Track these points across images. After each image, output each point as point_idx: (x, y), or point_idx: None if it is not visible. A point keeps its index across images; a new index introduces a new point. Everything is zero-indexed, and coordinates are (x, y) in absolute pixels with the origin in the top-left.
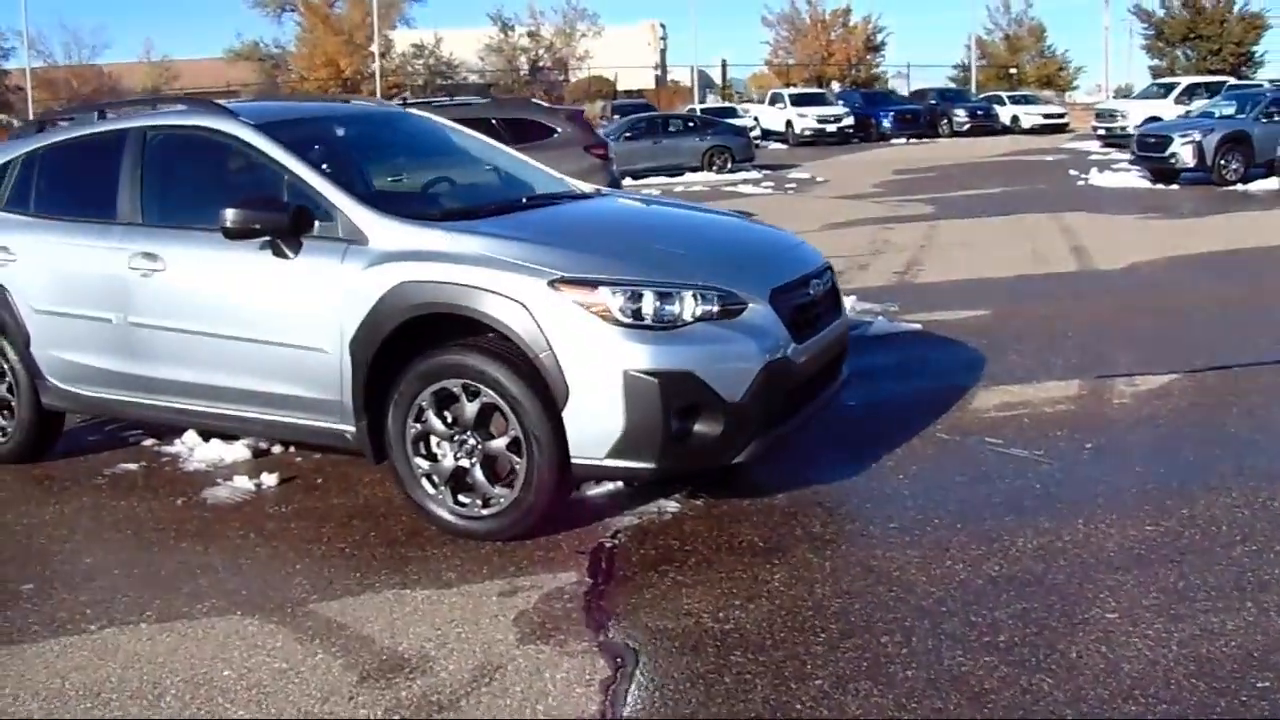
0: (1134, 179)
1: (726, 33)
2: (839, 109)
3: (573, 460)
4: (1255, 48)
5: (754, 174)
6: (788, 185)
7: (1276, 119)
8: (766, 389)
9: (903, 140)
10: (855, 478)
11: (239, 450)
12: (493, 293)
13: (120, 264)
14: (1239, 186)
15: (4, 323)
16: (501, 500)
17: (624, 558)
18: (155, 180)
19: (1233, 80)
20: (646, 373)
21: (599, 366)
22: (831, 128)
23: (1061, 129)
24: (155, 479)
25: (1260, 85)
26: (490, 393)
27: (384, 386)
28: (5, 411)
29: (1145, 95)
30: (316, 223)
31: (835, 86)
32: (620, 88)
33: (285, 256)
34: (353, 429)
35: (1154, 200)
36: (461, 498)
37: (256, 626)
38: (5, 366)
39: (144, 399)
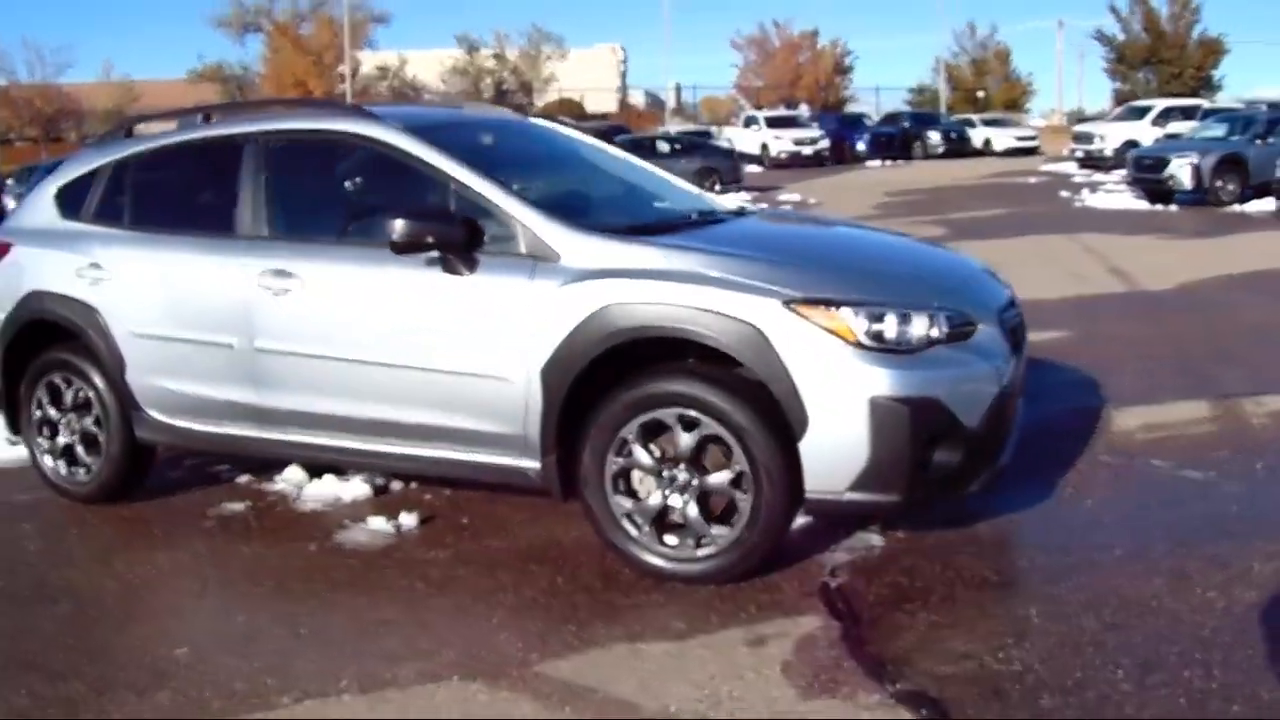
0: (1129, 200)
1: (686, 58)
2: (815, 131)
3: (808, 495)
4: (1214, 71)
5: (743, 196)
6: (782, 208)
7: (1270, 141)
8: (999, 415)
9: (878, 163)
10: (1044, 504)
11: (357, 487)
12: (720, 314)
13: (245, 282)
14: (1236, 208)
15: (94, 348)
16: (719, 540)
17: (858, 598)
18: (284, 190)
19: (1206, 104)
20: (895, 399)
21: (842, 393)
22: (808, 150)
23: (1033, 151)
24: (270, 521)
25: (1237, 107)
26: (712, 423)
27: (574, 418)
28: (90, 447)
29: (1120, 118)
30: (488, 236)
31: (804, 109)
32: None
33: (459, 273)
34: (536, 465)
35: (1160, 221)
36: (668, 539)
37: (488, 694)
38: (91, 397)
39: (268, 433)
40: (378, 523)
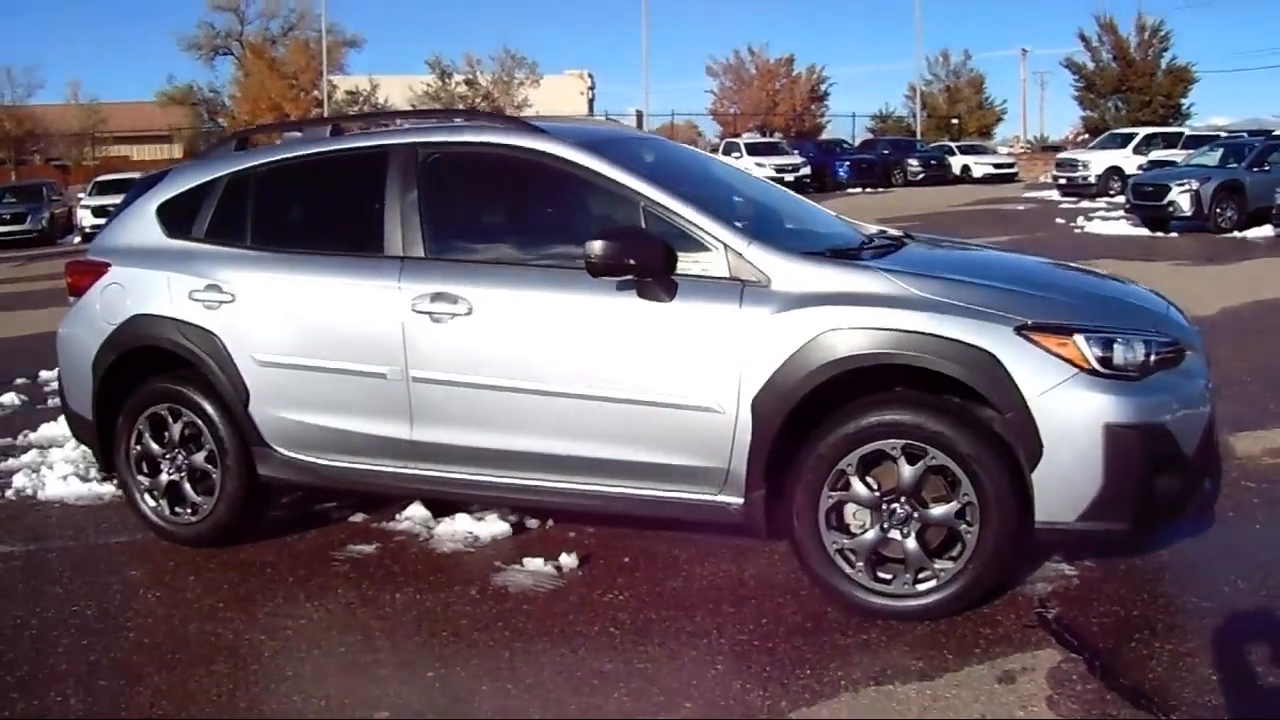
0: (1126, 226)
1: (662, 84)
2: (796, 158)
3: (1038, 525)
4: (1183, 100)
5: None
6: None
7: (1267, 169)
8: (1209, 439)
9: (858, 189)
10: (1215, 529)
11: (494, 525)
12: (952, 341)
13: (399, 307)
14: (1236, 234)
15: (211, 377)
16: (942, 575)
17: (1083, 629)
18: (441, 207)
19: (1188, 131)
20: (1128, 426)
21: (1077, 421)
22: (789, 176)
23: (1011, 179)
24: (410, 563)
25: (1218, 135)
26: (940, 454)
27: (781, 451)
28: (199, 485)
29: (1102, 145)
30: (685, 258)
31: (777, 136)
32: None
33: (658, 299)
34: (738, 501)
35: (1167, 248)
36: (882, 574)
37: None
38: (204, 430)
39: (418, 469)
40: (534, 564)
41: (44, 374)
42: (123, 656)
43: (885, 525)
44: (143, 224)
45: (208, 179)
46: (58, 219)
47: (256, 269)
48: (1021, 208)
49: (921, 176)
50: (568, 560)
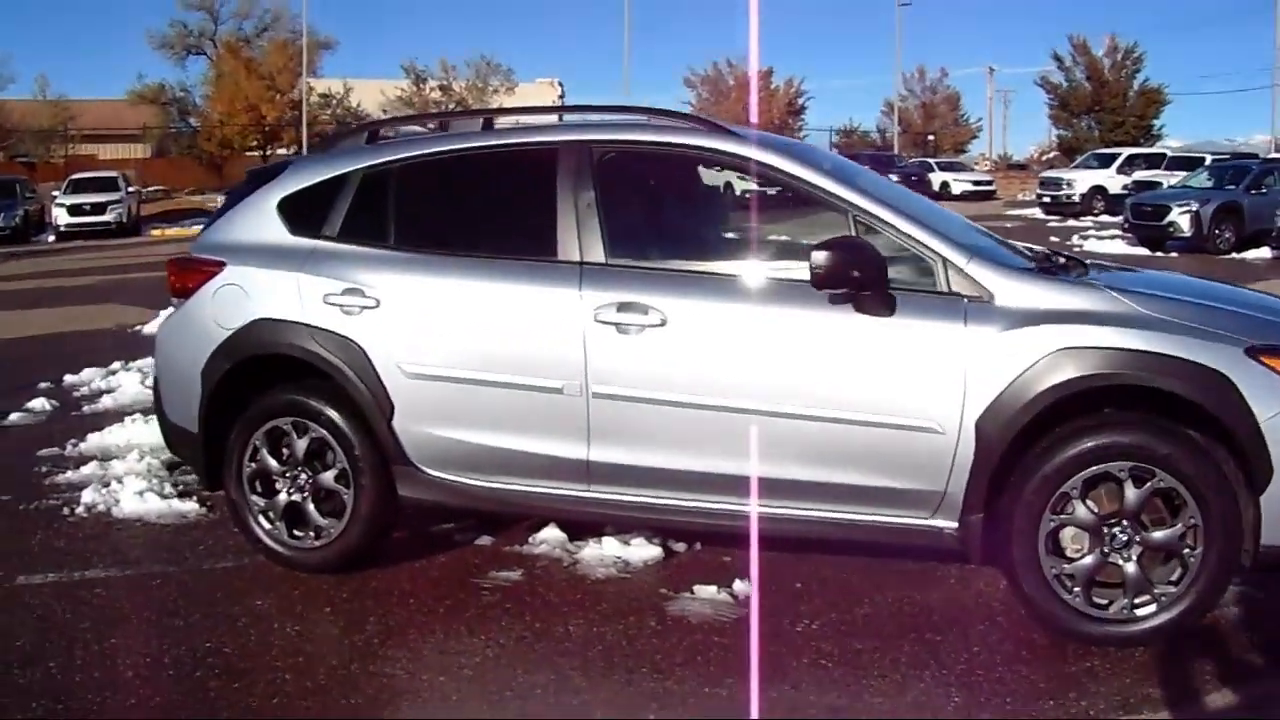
0: (1124, 245)
1: (639, 95)
2: None
3: (1262, 547)
4: (1155, 120)
5: None
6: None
7: (1264, 191)
8: None
9: None
10: None
11: (644, 549)
12: (1186, 361)
13: (580, 316)
14: (1235, 255)
15: (353, 390)
16: (1163, 599)
17: None
18: (619, 210)
19: (1170, 152)
20: None
21: None
22: (772, 190)
23: (990, 195)
24: (565, 591)
25: (1202, 156)
26: (1168, 477)
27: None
28: (324, 505)
29: (1085, 164)
30: (900, 272)
31: None
32: None
33: (877, 313)
34: (952, 525)
35: (1167, 267)
36: (1097, 599)
37: None
38: (334, 446)
39: (598, 492)
40: (707, 591)
41: (69, 378)
42: (289, 703)
43: (1105, 550)
44: (262, 220)
45: (338, 173)
46: (31, 216)
47: (404, 272)
48: (1010, 225)
49: None
50: (741, 587)
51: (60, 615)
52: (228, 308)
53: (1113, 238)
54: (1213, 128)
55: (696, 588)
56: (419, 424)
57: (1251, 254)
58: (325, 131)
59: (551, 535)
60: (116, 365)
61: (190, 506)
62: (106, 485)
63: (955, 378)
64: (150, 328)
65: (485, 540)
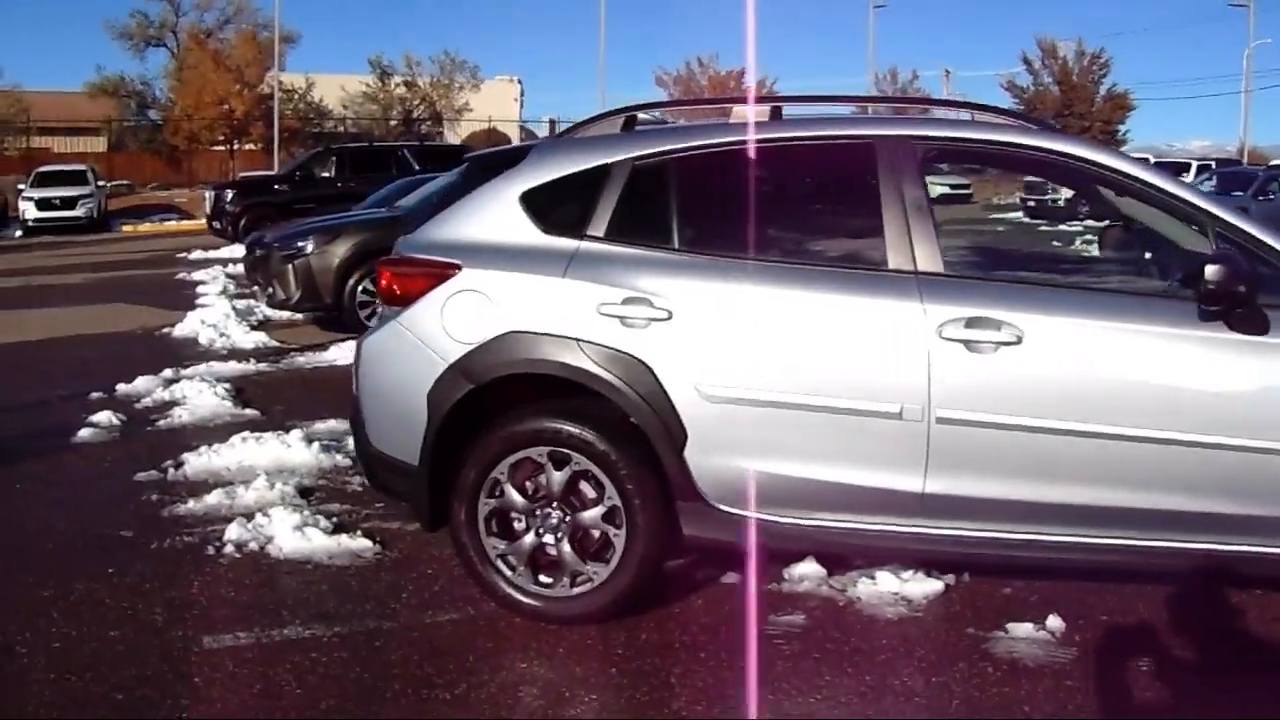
0: None
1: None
2: None
3: None
4: (1121, 126)
5: None
6: None
7: (1271, 197)
8: None
9: None
10: None
11: (923, 584)
12: None
13: (923, 332)
14: None
15: (638, 415)
16: None
17: None
18: (960, 214)
19: (1151, 157)
20: None
21: None
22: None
23: (967, 199)
24: (866, 636)
25: (1189, 162)
26: None
27: None
28: (581, 547)
29: None
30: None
31: None
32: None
33: (1254, 330)
34: None
35: None
36: None
37: None
38: (605, 481)
39: (930, 527)
40: (1022, 629)
41: (122, 387)
42: None
43: None
44: (503, 216)
45: (599, 163)
46: None
47: (703, 279)
48: (1001, 230)
49: None
50: (1055, 623)
51: (290, 690)
52: (465, 318)
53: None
54: (1151, 134)
55: (1009, 626)
56: (717, 454)
57: None
58: (292, 127)
59: (811, 570)
60: (168, 373)
61: (362, 544)
62: (249, 519)
63: None
64: (181, 330)
65: (732, 578)
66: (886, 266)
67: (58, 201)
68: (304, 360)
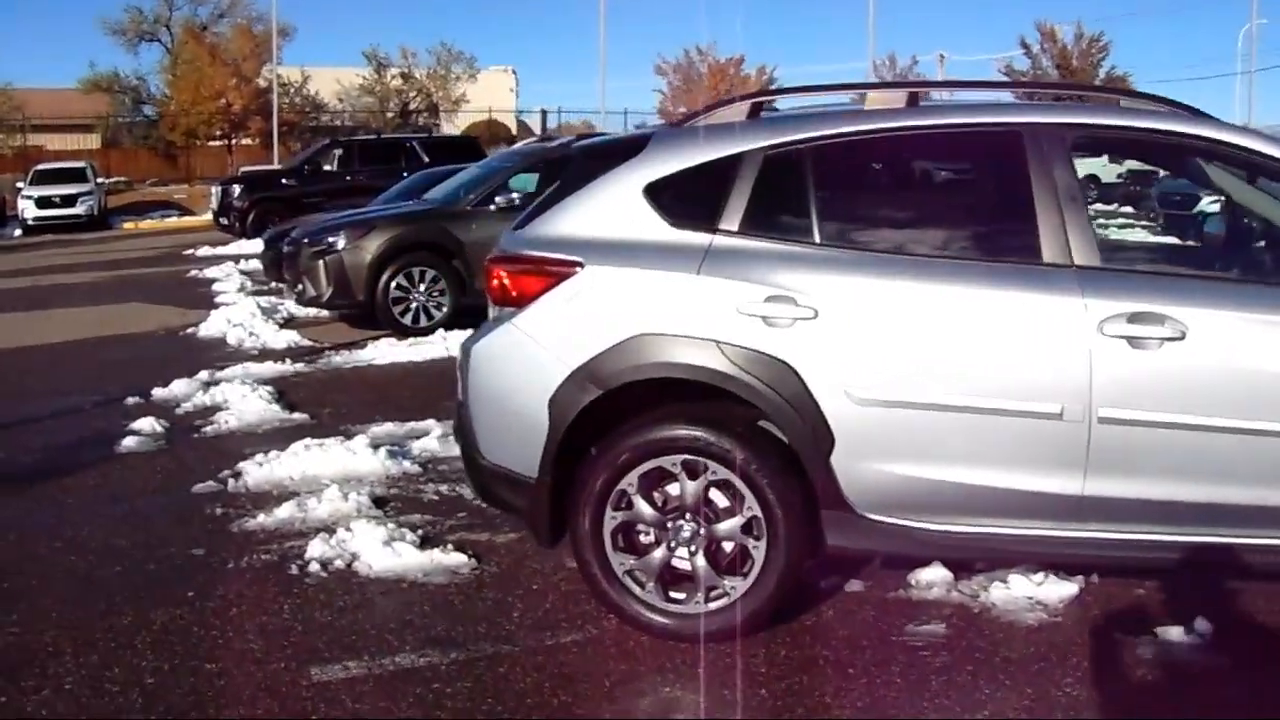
0: (1144, 235)
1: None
2: None
3: None
4: None
5: None
6: None
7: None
8: None
9: None
10: None
11: (1058, 586)
12: None
13: (1084, 329)
14: None
15: (782, 420)
16: None
17: None
18: (1113, 203)
19: None
20: None
21: None
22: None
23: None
24: (1013, 644)
25: None
26: None
27: None
28: (715, 559)
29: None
30: None
31: None
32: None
33: None
34: None
35: None
36: None
37: None
38: (744, 490)
39: (1086, 531)
40: (1172, 633)
41: (158, 391)
42: None
43: None
44: (625, 209)
45: (729, 153)
46: None
47: (849, 274)
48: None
49: None
50: (1203, 626)
51: None
52: (592, 320)
53: (1130, 227)
54: None
55: (1158, 630)
56: (866, 459)
57: None
58: (289, 121)
59: (938, 575)
60: (204, 375)
61: (456, 558)
62: (330, 533)
63: None
64: (206, 330)
65: (857, 586)
66: (1041, 259)
67: (57, 199)
68: (341, 359)
